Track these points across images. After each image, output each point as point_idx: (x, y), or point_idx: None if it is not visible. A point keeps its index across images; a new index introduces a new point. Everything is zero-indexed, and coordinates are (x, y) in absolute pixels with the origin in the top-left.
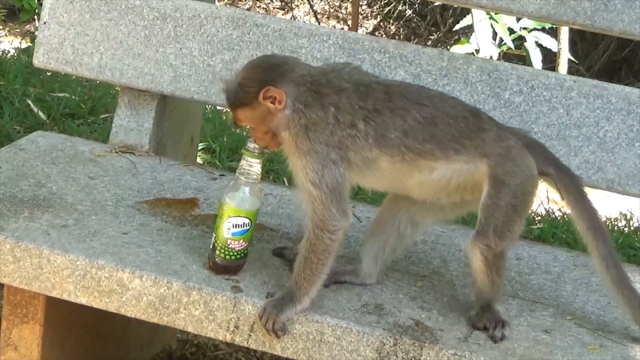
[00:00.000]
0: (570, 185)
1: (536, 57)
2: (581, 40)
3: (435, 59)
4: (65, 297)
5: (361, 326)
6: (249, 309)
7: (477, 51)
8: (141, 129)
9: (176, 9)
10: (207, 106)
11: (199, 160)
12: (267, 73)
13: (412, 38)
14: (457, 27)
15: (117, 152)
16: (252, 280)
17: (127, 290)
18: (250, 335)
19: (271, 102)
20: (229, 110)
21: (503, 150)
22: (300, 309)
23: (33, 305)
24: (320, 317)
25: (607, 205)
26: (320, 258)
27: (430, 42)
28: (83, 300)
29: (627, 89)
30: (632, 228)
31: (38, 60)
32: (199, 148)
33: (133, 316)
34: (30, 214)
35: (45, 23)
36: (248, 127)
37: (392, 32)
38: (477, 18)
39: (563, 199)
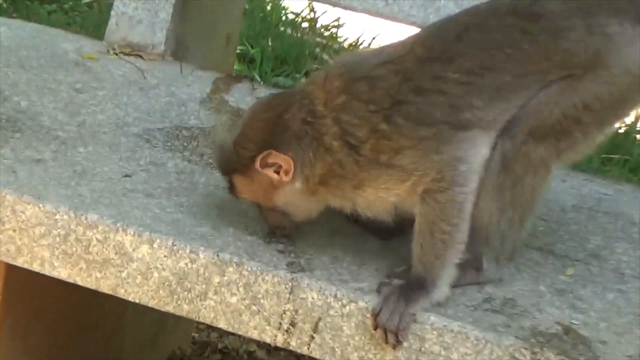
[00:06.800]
0: None
1: None
2: None
3: None
4: (36, 267)
5: (482, 331)
6: (313, 297)
7: None
8: (154, 20)
9: None
10: None
11: None
12: (267, 129)
13: None
14: None
15: (116, 54)
16: (318, 255)
17: (130, 262)
18: (313, 338)
19: (275, 172)
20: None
21: None
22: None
23: None
24: (420, 315)
25: None
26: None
27: None
28: (63, 273)
29: None
30: None
31: None
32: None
33: (137, 300)
34: None
35: None
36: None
37: None
38: None
39: None
